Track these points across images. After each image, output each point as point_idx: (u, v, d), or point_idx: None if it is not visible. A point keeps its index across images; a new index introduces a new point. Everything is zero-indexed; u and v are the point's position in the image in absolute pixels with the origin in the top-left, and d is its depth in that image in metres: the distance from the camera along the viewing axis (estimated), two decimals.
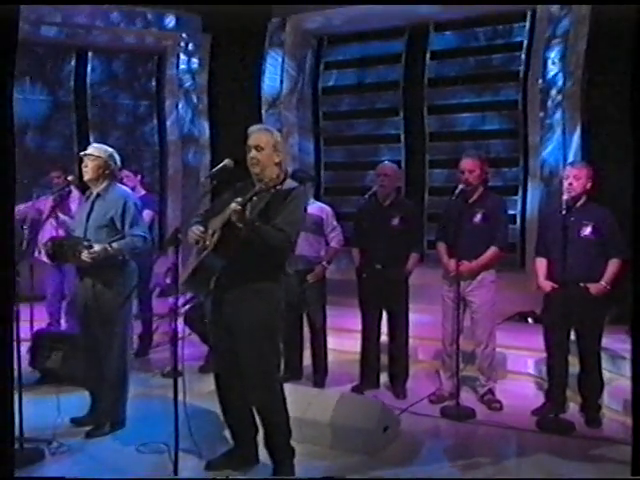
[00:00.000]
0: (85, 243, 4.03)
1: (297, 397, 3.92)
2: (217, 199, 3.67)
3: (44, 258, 5.17)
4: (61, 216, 5.63)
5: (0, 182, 2.48)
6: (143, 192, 6.13)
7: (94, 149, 4.27)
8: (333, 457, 3.85)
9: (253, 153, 3.46)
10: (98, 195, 4.21)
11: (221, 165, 3.52)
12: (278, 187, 3.33)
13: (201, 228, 3.42)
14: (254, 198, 3.26)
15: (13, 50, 2.49)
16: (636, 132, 2.40)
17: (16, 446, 3.65)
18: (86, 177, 4.21)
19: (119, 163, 4.35)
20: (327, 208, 5.35)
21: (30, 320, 5.58)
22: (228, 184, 3.64)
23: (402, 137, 7.79)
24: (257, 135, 3.50)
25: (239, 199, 3.18)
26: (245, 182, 3.55)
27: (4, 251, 2.47)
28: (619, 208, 4.98)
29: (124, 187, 4.53)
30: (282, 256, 3.48)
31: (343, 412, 4.00)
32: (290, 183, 3.55)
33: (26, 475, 3.35)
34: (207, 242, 3.33)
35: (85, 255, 3.99)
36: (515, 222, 7.02)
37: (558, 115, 6.52)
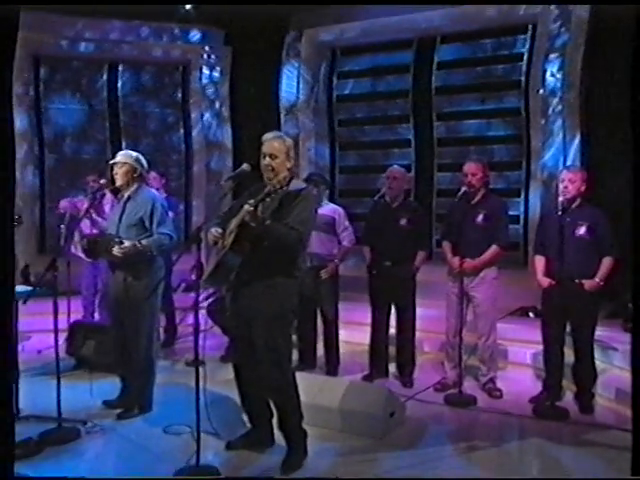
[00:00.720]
0: (116, 240, 4.11)
1: (310, 384, 3.96)
2: (235, 201, 3.71)
3: (80, 254, 5.29)
4: (95, 216, 5.76)
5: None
6: (164, 195, 6.09)
7: (121, 156, 4.32)
8: (342, 439, 3.87)
9: (267, 160, 3.48)
10: (129, 197, 4.28)
11: (239, 169, 3.56)
12: (285, 188, 3.37)
13: (219, 230, 3.45)
14: (266, 199, 3.30)
15: (12, 51, 2.41)
16: (636, 133, 2.38)
17: (55, 425, 3.85)
18: (117, 183, 4.30)
19: (146, 166, 4.40)
20: (339, 209, 5.34)
21: (67, 312, 5.67)
22: (246, 186, 3.67)
23: (412, 142, 7.79)
24: (271, 143, 3.51)
25: (252, 200, 3.22)
26: (258, 185, 3.55)
27: (3, 249, 2.35)
28: (615, 209, 5.02)
29: (152, 189, 4.58)
30: (294, 253, 3.47)
31: (352, 398, 4.02)
32: (299, 184, 3.57)
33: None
34: (225, 242, 3.38)
35: (116, 250, 4.08)
36: (518, 222, 6.99)
37: (558, 122, 6.50)
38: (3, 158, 2.35)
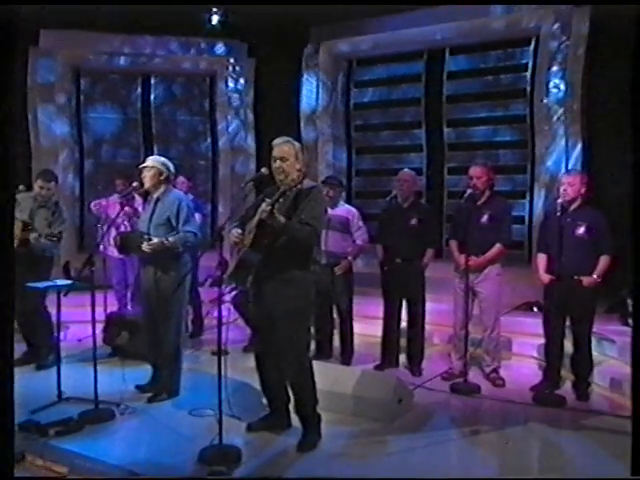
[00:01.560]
0: (145, 237, 4.20)
1: (325, 373, 3.98)
2: (252, 204, 3.73)
3: (114, 250, 5.38)
4: (125, 217, 5.90)
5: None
6: (191, 197, 6.12)
7: (149, 161, 4.39)
8: (354, 424, 3.90)
9: (278, 164, 3.52)
10: (158, 199, 4.36)
11: (258, 173, 3.62)
12: (299, 186, 3.40)
13: (239, 231, 3.48)
14: (280, 199, 3.34)
15: (12, 51, 2.25)
16: (636, 136, 2.36)
17: (92, 407, 3.95)
18: (146, 185, 4.37)
19: (173, 170, 4.45)
20: (353, 210, 5.33)
21: (104, 305, 5.86)
22: (264, 188, 3.72)
23: (424, 147, 7.79)
24: (281, 147, 3.55)
25: (268, 200, 3.28)
26: (272, 187, 3.60)
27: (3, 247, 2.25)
28: (615, 211, 5.00)
29: (179, 192, 4.63)
30: (309, 248, 3.49)
31: (363, 386, 4.05)
32: (310, 183, 3.59)
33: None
34: (245, 241, 3.42)
35: (145, 246, 4.17)
36: (523, 222, 6.98)
37: (561, 129, 6.47)
38: (4, 159, 2.23)
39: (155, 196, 4.39)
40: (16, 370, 5.05)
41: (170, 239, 4.22)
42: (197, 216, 5.93)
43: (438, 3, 6.82)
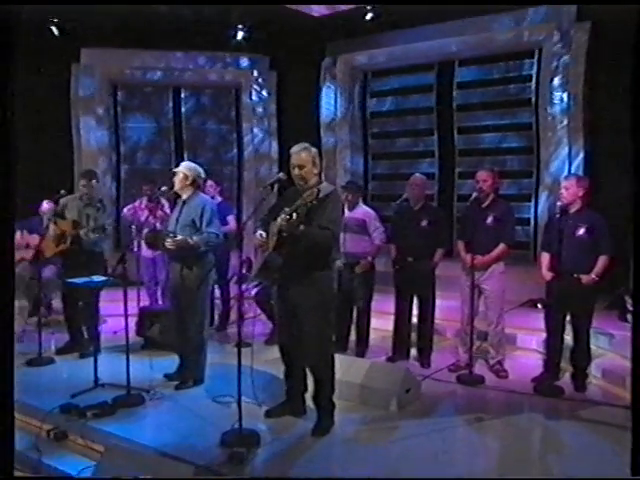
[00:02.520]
0: (171, 235, 4.27)
1: (338, 364, 3.93)
2: (273, 205, 3.79)
3: (144, 247, 5.52)
4: (158, 220, 6.02)
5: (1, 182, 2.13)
6: (220, 199, 6.21)
7: (180, 167, 4.47)
8: (364, 411, 3.94)
9: (297, 171, 3.53)
10: (184, 201, 4.43)
11: (276, 178, 3.62)
12: (317, 194, 3.29)
13: (263, 234, 3.51)
14: (299, 210, 3.31)
15: (12, 51, 2.13)
16: (636, 139, 2.36)
17: (124, 392, 4.05)
18: (175, 188, 4.46)
19: (202, 175, 4.50)
20: (370, 212, 5.28)
21: (137, 300, 5.92)
22: (283, 190, 3.77)
23: (436, 153, 7.81)
24: (299, 155, 3.54)
25: (287, 209, 3.29)
26: (292, 189, 3.61)
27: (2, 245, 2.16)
28: (614, 213, 4.97)
29: (205, 195, 4.67)
30: (328, 249, 3.50)
31: (373, 376, 4.08)
32: (327, 187, 3.56)
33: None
34: (268, 244, 3.47)
35: (168, 243, 4.24)
36: (529, 224, 6.96)
37: (564, 136, 6.44)
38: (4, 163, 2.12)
39: (183, 199, 4.46)
40: (60, 358, 5.28)
41: (194, 238, 4.27)
42: (230, 218, 6.04)
43: (444, 3, 6.65)
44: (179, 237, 4.25)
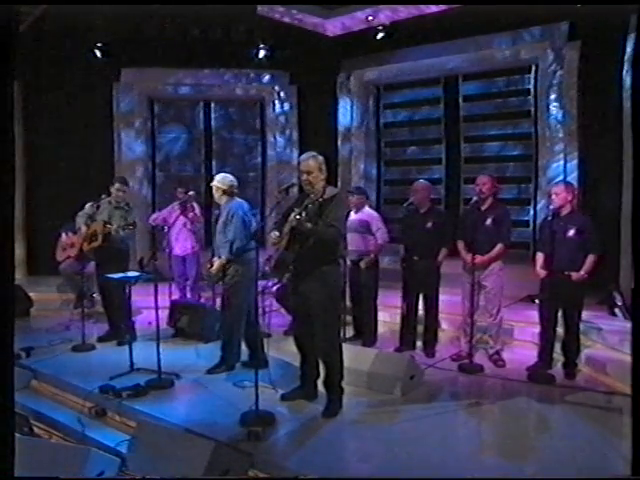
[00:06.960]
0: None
1: (347, 353, 3.99)
2: (287, 209, 3.81)
3: (174, 246, 5.62)
4: (188, 221, 6.16)
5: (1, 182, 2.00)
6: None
7: (215, 180, 4.57)
8: (370, 395, 4.00)
9: (305, 177, 3.59)
10: (221, 209, 4.55)
11: (289, 183, 3.75)
12: (323, 195, 3.43)
13: (277, 234, 3.59)
14: (308, 208, 3.44)
15: (12, 52, 2.01)
16: (636, 142, 2.34)
17: (156, 376, 4.18)
18: (215, 198, 4.60)
19: (235, 183, 4.56)
20: (374, 214, 5.38)
21: (169, 294, 6.13)
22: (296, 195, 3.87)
23: (443, 160, 7.80)
24: (307, 163, 3.60)
25: (297, 209, 3.41)
26: (302, 194, 3.72)
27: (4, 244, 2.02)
28: (604, 215, 4.97)
29: (237, 200, 4.55)
30: (335, 245, 3.56)
31: (379, 364, 4.13)
32: (333, 190, 3.64)
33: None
34: (282, 243, 3.58)
35: (212, 271, 4.41)
36: (528, 226, 6.94)
37: (560, 145, 6.45)
38: (4, 167, 2.03)
39: (221, 205, 4.58)
40: (100, 345, 5.47)
41: (223, 257, 4.40)
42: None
43: (443, 3, 6.58)
44: (215, 264, 4.35)
